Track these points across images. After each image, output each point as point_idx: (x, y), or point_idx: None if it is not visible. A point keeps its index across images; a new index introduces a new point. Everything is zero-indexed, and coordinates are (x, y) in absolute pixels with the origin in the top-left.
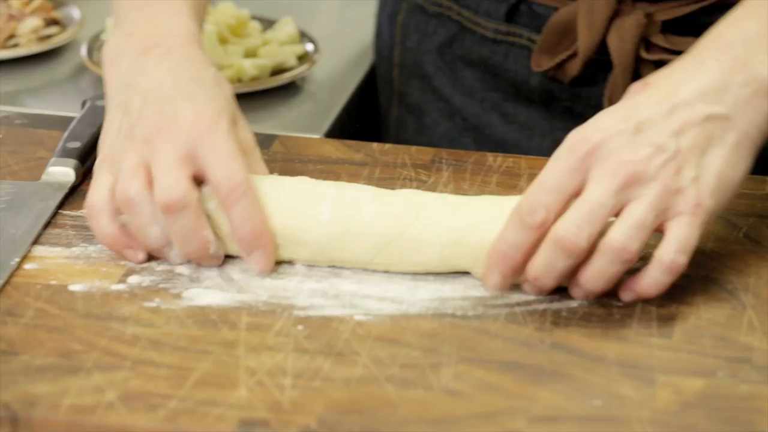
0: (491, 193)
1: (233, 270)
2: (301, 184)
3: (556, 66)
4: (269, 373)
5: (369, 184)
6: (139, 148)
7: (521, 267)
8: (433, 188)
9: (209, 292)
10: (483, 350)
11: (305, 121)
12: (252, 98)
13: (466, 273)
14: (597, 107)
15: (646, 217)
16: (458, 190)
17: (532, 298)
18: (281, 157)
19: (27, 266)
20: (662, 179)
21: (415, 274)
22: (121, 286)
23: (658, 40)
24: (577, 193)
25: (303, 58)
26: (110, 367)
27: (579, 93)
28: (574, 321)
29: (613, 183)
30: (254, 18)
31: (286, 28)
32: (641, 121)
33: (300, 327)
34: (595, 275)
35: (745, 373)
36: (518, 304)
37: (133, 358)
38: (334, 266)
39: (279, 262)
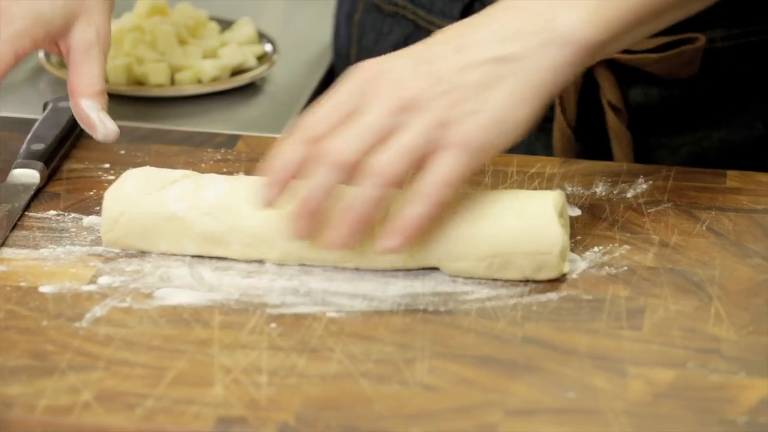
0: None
1: (204, 269)
2: None
3: None
4: (244, 370)
5: None
6: None
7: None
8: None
9: (180, 292)
10: (456, 345)
11: (266, 121)
12: (212, 99)
13: (435, 269)
14: (551, 108)
15: (411, 143)
16: None
17: (503, 292)
18: (246, 157)
19: None
20: (435, 109)
21: (384, 270)
22: (91, 287)
23: None
24: (352, 112)
25: (262, 58)
26: (84, 367)
27: None
28: (544, 315)
29: (385, 106)
30: (212, 19)
31: (245, 28)
32: (427, 57)
33: (273, 325)
34: (358, 202)
35: (714, 364)
36: (489, 299)
37: (107, 358)
38: (304, 264)
39: (249, 261)
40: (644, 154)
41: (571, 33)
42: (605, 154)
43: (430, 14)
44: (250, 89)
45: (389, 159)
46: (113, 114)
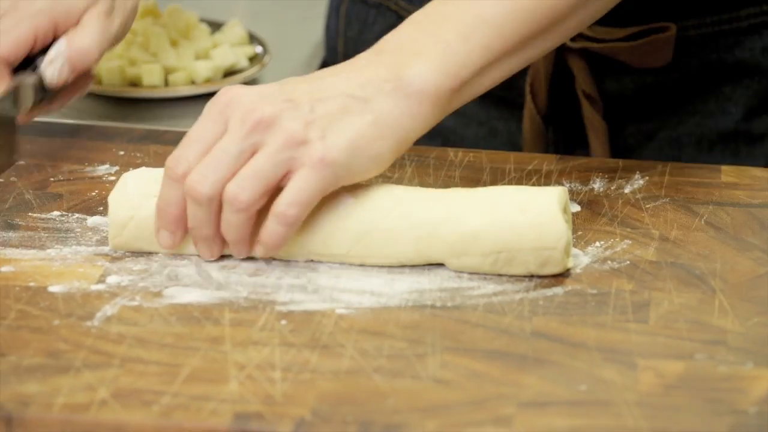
0: (457, 186)
1: (211, 267)
2: None
3: None
4: (258, 367)
5: None
6: None
7: (182, 220)
8: (398, 184)
9: (189, 290)
10: (466, 340)
11: None
12: (205, 100)
13: (440, 265)
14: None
15: (263, 166)
16: (423, 185)
17: (509, 287)
18: None
19: (3, 269)
20: (288, 129)
21: (390, 267)
22: (100, 286)
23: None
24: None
25: (253, 59)
26: (99, 365)
27: (508, 81)
28: (551, 309)
29: (240, 129)
30: (202, 21)
31: (235, 30)
32: (285, 87)
33: (283, 322)
34: (224, 227)
35: (721, 355)
36: (495, 294)
37: (120, 356)
38: (311, 261)
39: (254, 259)
40: (620, 142)
41: (418, 83)
42: (581, 144)
43: (411, 5)
44: None
45: (241, 186)
46: (108, 115)
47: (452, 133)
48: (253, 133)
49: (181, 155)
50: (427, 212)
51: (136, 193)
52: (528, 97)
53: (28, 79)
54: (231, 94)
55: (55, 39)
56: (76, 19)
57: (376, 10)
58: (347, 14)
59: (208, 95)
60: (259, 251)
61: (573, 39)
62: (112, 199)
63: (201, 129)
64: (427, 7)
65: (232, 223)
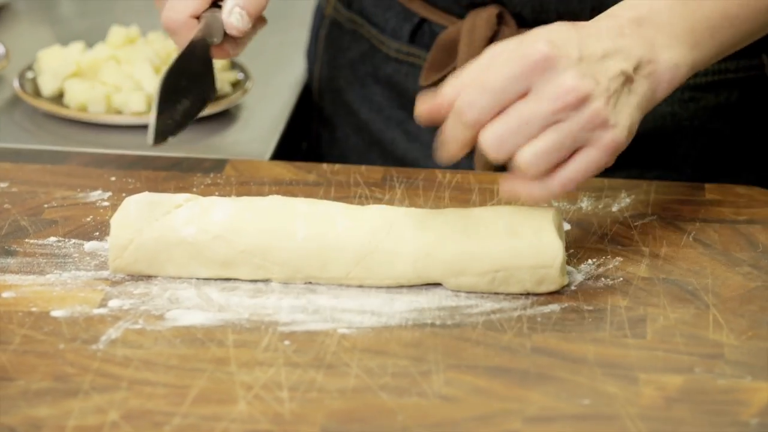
0: (447, 207)
1: (211, 290)
2: (274, 202)
3: (441, 81)
4: (265, 387)
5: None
6: None
7: (462, 154)
8: (389, 205)
9: (191, 312)
10: (468, 357)
11: (245, 147)
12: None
13: (438, 284)
14: None
15: (564, 142)
16: (413, 206)
17: (506, 305)
18: (236, 180)
19: (4, 294)
20: (595, 109)
21: (388, 287)
22: (102, 310)
23: None
24: (516, 100)
25: (235, 85)
26: (107, 388)
27: None
28: (549, 326)
29: (551, 106)
30: None
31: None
32: (584, 54)
33: (287, 342)
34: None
35: (720, 369)
36: (493, 311)
37: (128, 378)
38: (309, 282)
39: (254, 281)
40: None
41: (670, 73)
42: None
43: (382, 34)
44: (225, 115)
45: (538, 158)
46: (93, 141)
47: (415, 163)
48: (563, 111)
49: (475, 101)
50: (424, 233)
51: (138, 217)
52: None
53: (216, 19)
54: (542, 54)
55: None
56: None
57: (350, 37)
58: (325, 38)
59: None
60: (505, 188)
61: None
62: (114, 221)
63: (502, 80)
64: None
65: (516, 188)
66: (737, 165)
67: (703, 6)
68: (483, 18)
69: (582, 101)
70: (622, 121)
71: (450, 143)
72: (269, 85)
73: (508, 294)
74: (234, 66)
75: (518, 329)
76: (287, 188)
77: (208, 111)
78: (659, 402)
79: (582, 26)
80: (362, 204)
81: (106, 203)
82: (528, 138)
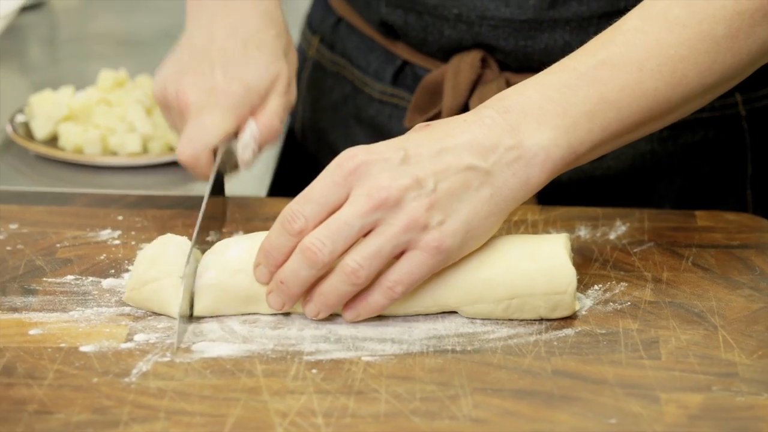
0: None
1: (233, 323)
2: None
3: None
4: (299, 414)
5: None
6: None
7: (280, 265)
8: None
9: (217, 345)
10: (492, 381)
11: (236, 185)
12: (177, 167)
13: (453, 312)
14: None
15: (384, 247)
16: None
17: (521, 330)
18: (240, 218)
19: (31, 332)
20: (412, 212)
21: (406, 315)
22: (130, 345)
23: None
24: (338, 206)
25: None
26: (146, 419)
27: None
28: (566, 349)
29: (365, 205)
30: None
31: None
32: (410, 155)
33: (314, 371)
34: (328, 291)
35: (736, 387)
36: (510, 337)
37: (164, 409)
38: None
39: (275, 314)
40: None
41: (541, 154)
42: None
43: (365, 75)
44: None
45: (360, 263)
46: (89, 184)
47: None
48: (378, 211)
49: (298, 211)
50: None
51: (174, 262)
52: None
53: (230, 151)
54: (357, 161)
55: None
56: (264, 100)
57: (333, 79)
58: (308, 80)
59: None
60: (350, 316)
61: None
62: (144, 254)
63: (322, 190)
64: (556, 72)
65: (341, 293)
66: (715, 201)
67: (579, 93)
68: (467, 62)
69: (396, 201)
70: (450, 222)
71: (274, 253)
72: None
73: (522, 320)
74: None
75: (537, 353)
76: None
77: None
78: (683, 420)
79: (433, 125)
80: None
81: (117, 241)
82: (348, 241)
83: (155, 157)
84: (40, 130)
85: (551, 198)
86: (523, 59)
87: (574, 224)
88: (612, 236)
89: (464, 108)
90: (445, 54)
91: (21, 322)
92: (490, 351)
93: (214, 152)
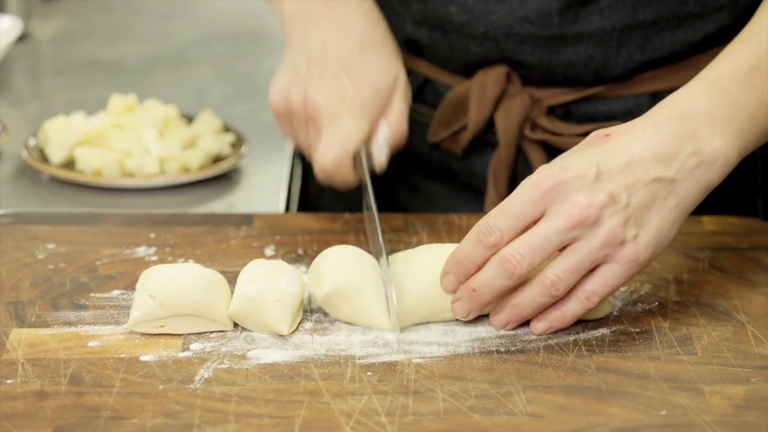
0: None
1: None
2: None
3: (450, 137)
4: (363, 413)
5: (361, 249)
6: None
7: (470, 275)
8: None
9: (271, 351)
10: (540, 378)
11: (249, 202)
12: (195, 186)
13: (485, 315)
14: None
15: (582, 262)
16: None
17: (559, 331)
18: (268, 232)
19: (90, 344)
20: (610, 229)
21: (445, 321)
22: (187, 353)
23: (543, 122)
24: (533, 222)
25: (233, 146)
26: (217, 421)
27: (472, 167)
28: (605, 347)
29: (565, 222)
30: None
31: (211, 121)
32: (601, 170)
33: (369, 373)
34: (524, 302)
35: None
36: (550, 337)
37: (233, 412)
38: None
39: (316, 321)
40: None
41: (720, 159)
42: None
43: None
44: (224, 175)
45: (560, 277)
46: (110, 205)
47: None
48: (576, 229)
49: (494, 225)
50: None
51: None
52: (491, 182)
53: (365, 155)
54: (555, 180)
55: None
56: (389, 102)
57: None
58: None
59: (201, 181)
60: (541, 327)
61: (533, 130)
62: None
63: (519, 206)
64: (711, 80)
65: (537, 304)
66: (725, 209)
67: (740, 98)
68: (492, 77)
69: (595, 220)
70: (645, 235)
71: (466, 263)
72: (263, 144)
73: None
74: (227, 128)
75: (578, 352)
76: (320, 237)
77: (214, 171)
78: (729, 410)
79: (616, 132)
80: (394, 249)
81: (154, 257)
82: (545, 256)
83: (173, 177)
84: (56, 155)
85: None
86: (546, 73)
87: None
88: None
89: (489, 121)
90: (469, 69)
91: (78, 335)
92: (533, 351)
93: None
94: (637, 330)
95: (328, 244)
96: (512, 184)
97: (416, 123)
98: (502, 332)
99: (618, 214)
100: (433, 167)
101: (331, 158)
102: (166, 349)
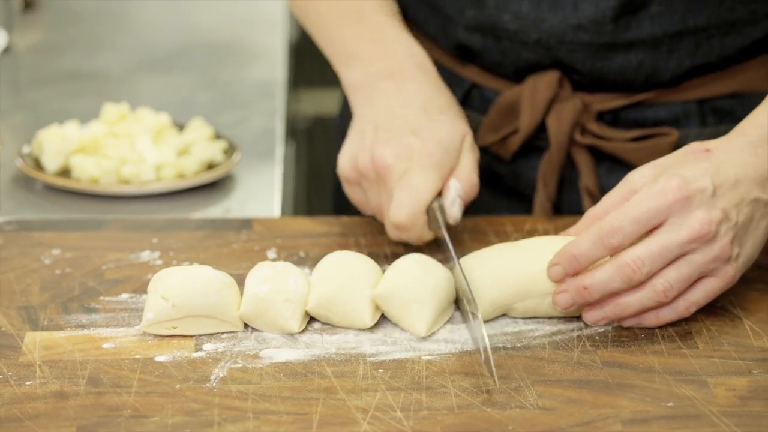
0: (468, 247)
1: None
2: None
3: (499, 141)
4: (378, 409)
5: (361, 252)
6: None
7: (582, 271)
8: (419, 249)
9: (282, 351)
10: (548, 373)
11: (242, 207)
12: (191, 193)
13: None
14: (534, 187)
15: (693, 274)
16: (440, 250)
17: (562, 327)
18: (269, 236)
19: (105, 345)
20: (723, 245)
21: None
22: (201, 354)
23: (592, 126)
24: (652, 229)
25: (225, 152)
26: (237, 419)
27: (519, 171)
28: (608, 343)
29: (687, 235)
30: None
31: (201, 129)
32: (716, 185)
33: (380, 370)
34: (631, 303)
35: None
36: (554, 333)
37: (251, 410)
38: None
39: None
40: None
41: None
42: None
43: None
44: (220, 183)
45: (671, 285)
46: (108, 211)
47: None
48: (695, 242)
49: (619, 228)
50: (487, 270)
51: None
52: (540, 185)
53: (438, 209)
54: (682, 193)
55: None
56: (458, 157)
57: None
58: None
59: (196, 188)
60: (630, 323)
61: (583, 135)
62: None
63: (646, 213)
64: None
65: (643, 306)
66: None
67: None
68: (545, 81)
69: (713, 235)
70: (744, 253)
71: (582, 260)
72: (252, 152)
73: (560, 318)
74: (218, 135)
75: (582, 347)
76: (321, 240)
77: (210, 177)
78: (734, 401)
79: (716, 148)
80: (395, 250)
81: (159, 261)
82: (663, 265)
83: (169, 184)
84: (51, 163)
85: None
86: (597, 78)
87: None
88: None
89: (541, 126)
90: (519, 75)
91: (92, 337)
92: (539, 347)
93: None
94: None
95: (328, 247)
96: (561, 187)
97: None
98: (507, 329)
99: (729, 232)
100: (479, 172)
101: (405, 214)
102: (180, 349)
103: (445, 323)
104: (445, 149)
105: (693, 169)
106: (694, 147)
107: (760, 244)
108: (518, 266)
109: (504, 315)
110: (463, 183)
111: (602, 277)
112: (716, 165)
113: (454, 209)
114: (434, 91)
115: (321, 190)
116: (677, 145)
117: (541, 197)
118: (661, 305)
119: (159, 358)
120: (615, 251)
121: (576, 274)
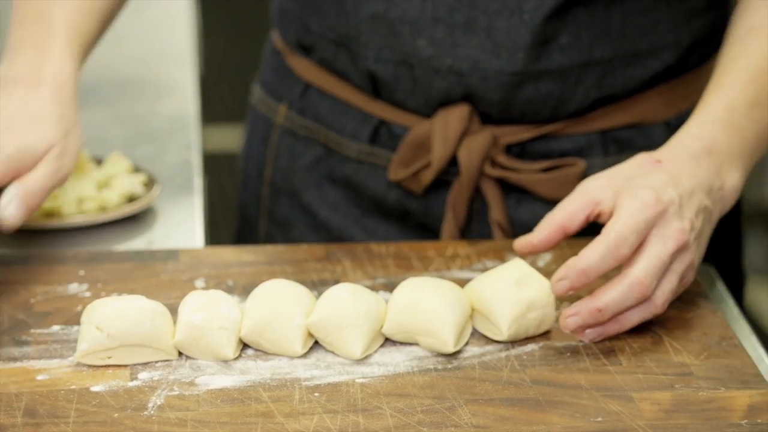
0: (395, 273)
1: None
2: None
3: (411, 176)
4: (317, 431)
5: (288, 279)
6: None
7: (589, 284)
8: (344, 277)
9: (218, 377)
10: (480, 392)
11: (164, 240)
12: (113, 226)
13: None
14: (442, 220)
15: (675, 283)
16: (367, 276)
17: (490, 348)
18: (196, 265)
19: (39, 377)
20: (692, 253)
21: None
22: (137, 382)
23: (501, 159)
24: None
25: (145, 185)
26: None
27: (428, 205)
28: (536, 361)
29: (673, 245)
30: None
31: (119, 163)
32: (680, 195)
33: (316, 394)
34: (630, 319)
35: (695, 384)
36: (482, 354)
37: None
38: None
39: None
40: None
41: (735, 194)
42: None
43: (342, 137)
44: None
45: (666, 297)
46: (30, 245)
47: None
48: (679, 252)
49: (625, 239)
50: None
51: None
52: (450, 214)
53: None
54: (661, 206)
55: (12, 180)
56: (35, 163)
57: (305, 143)
58: (277, 146)
59: (118, 221)
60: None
61: (492, 167)
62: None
63: (643, 224)
64: (720, 112)
65: (640, 320)
66: None
67: (746, 133)
68: (456, 115)
69: (689, 244)
70: (696, 259)
71: (591, 273)
72: (171, 185)
73: (488, 341)
74: (137, 169)
75: (511, 366)
76: (246, 268)
77: (132, 210)
78: (660, 414)
79: (666, 160)
80: (322, 278)
81: (87, 293)
82: (660, 276)
83: (91, 217)
84: None
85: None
86: (506, 110)
87: (504, 254)
88: (541, 264)
89: (453, 160)
90: (429, 108)
91: (26, 369)
92: (469, 367)
93: None
94: (563, 345)
95: (256, 276)
96: (470, 218)
97: (373, 165)
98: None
99: (695, 240)
100: (388, 208)
101: None
102: (115, 379)
103: (378, 348)
104: (18, 149)
105: (655, 180)
106: (643, 158)
107: (704, 249)
108: (464, 308)
109: None
110: (24, 186)
111: (615, 297)
112: (673, 176)
113: (5, 211)
114: (52, 105)
115: (290, 236)
116: (584, 175)
117: (450, 224)
118: (651, 316)
119: (95, 388)
120: (623, 262)
121: (581, 288)
